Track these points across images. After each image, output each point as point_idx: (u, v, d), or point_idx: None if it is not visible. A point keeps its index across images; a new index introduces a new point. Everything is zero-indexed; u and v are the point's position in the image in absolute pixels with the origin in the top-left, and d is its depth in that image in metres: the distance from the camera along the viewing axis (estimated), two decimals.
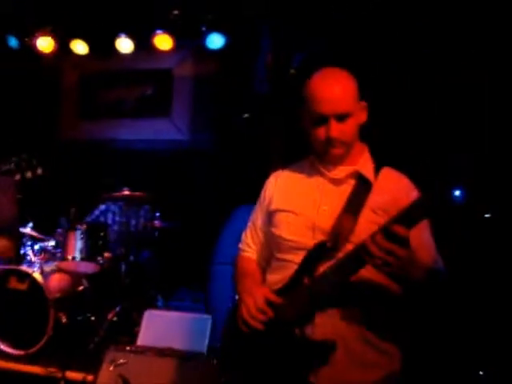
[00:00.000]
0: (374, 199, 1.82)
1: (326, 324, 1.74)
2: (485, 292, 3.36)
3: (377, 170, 1.89)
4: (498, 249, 3.42)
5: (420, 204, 1.58)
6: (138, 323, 3.81)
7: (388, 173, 1.91)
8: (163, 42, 4.85)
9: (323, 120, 1.81)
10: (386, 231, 1.58)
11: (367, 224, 1.76)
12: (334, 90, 1.80)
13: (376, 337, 1.79)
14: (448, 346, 3.36)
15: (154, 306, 4.24)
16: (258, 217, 2.07)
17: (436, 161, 3.67)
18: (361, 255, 1.63)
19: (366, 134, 1.95)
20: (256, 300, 1.80)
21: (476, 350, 3.34)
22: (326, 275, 1.73)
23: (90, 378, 3.18)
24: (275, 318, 1.78)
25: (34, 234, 4.12)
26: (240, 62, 4.90)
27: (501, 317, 3.30)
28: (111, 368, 2.92)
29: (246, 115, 4.88)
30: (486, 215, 3.51)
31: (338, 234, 1.77)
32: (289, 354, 1.76)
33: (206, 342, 3.31)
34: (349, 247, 1.74)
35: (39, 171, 3.77)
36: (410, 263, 1.63)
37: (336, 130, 1.80)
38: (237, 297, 1.98)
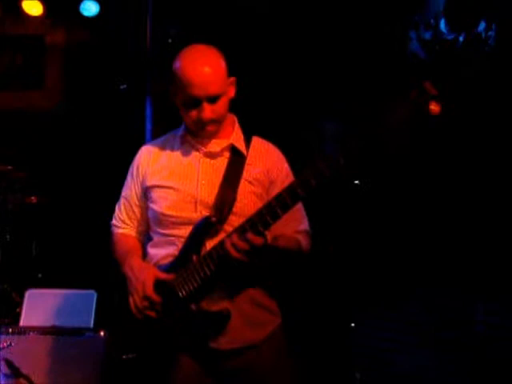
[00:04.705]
0: (249, 171, 1.92)
1: (220, 295, 1.84)
2: (355, 252, 3.68)
3: (247, 139, 1.98)
4: (365, 213, 3.75)
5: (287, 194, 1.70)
6: (19, 304, 3.71)
7: (258, 143, 2.01)
8: (32, 7, 4.60)
9: (195, 102, 1.83)
10: (241, 234, 1.70)
11: (246, 195, 1.89)
12: (205, 73, 1.80)
13: (263, 298, 1.95)
14: (323, 301, 3.67)
15: (35, 285, 4.12)
16: (132, 192, 2.04)
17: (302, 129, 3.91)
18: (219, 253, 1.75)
19: (232, 104, 1.97)
20: (145, 286, 1.82)
21: (349, 305, 3.67)
22: (211, 254, 1.80)
23: None
24: (169, 297, 1.82)
25: None
26: (114, 31, 4.76)
27: (371, 275, 3.65)
28: None
29: (124, 86, 4.78)
30: (355, 182, 3.81)
31: (221, 207, 1.85)
32: (188, 327, 1.84)
33: (92, 317, 3.31)
34: (232, 219, 1.84)
35: None
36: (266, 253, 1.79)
37: (209, 111, 1.83)
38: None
